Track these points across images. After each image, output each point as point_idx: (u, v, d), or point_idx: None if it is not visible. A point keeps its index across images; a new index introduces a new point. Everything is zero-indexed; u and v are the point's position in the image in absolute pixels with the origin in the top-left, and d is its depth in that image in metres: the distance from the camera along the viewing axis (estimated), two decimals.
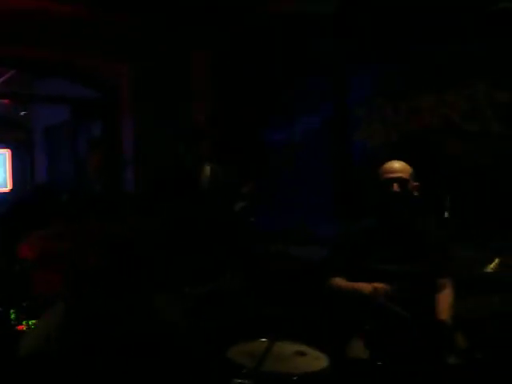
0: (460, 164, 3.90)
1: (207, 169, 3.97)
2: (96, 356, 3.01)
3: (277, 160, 5.28)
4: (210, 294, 3.65)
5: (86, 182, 5.51)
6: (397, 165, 3.00)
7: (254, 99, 5.74)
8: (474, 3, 3.75)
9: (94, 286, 3.02)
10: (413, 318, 2.71)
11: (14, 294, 3.73)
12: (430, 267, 2.89)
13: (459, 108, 3.92)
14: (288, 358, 2.73)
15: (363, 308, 2.84)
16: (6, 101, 7.55)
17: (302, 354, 2.78)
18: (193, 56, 5.85)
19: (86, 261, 2.97)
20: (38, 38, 5.20)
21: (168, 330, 2.99)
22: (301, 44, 5.12)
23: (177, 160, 4.05)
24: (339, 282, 3.03)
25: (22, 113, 8.00)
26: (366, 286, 2.84)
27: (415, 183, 3.01)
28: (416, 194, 3.00)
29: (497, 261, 2.62)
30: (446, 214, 2.80)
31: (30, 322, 3.51)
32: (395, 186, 2.93)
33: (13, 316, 3.51)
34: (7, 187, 8.06)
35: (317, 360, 2.72)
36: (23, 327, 3.53)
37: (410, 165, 3.03)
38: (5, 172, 8.08)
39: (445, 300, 2.90)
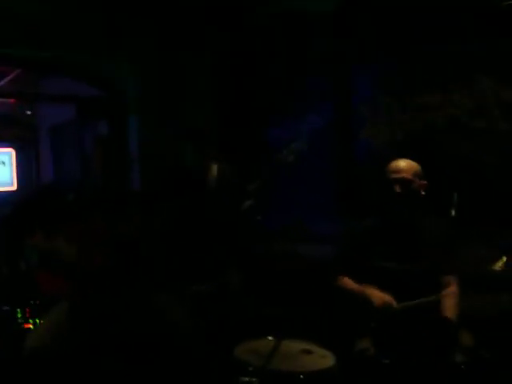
0: (467, 162, 3.89)
1: (214, 168, 3.97)
2: (100, 355, 3.02)
3: (281, 159, 5.26)
4: (212, 292, 3.65)
5: (91, 180, 5.52)
6: (402, 164, 3.00)
7: (256, 99, 5.75)
8: (481, 1, 3.74)
9: (98, 286, 3.02)
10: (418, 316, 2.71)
11: (20, 292, 3.74)
12: (434, 265, 2.89)
13: (465, 106, 3.91)
14: (294, 357, 2.74)
15: (370, 308, 2.84)
16: (11, 100, 7.56)
17: (309, 352, 2.79)
18: (197, 56, 5.85)
19: (91, 260, 2.98)
20: (44, 37, 5.21)
21: (171, 330, 2.99)
22: (302, 43, 5.12)
23: (183, 159, 4.05)
24: (348, 283, 3.02)
25: (28, 112, 8.01)
26: (376, 296, 2.83)
27: (423, 182, 3.00)
28: (423, 192, 2.99)
29: (504, 259, 2.61)
30: (453, 213, 2.80)
31: (37, 321, 3.52)
32: (397, 187, 2.93)
33: (19, 314, 3.52)
34: (13, 186, 8.07)
35: (323, 358, 2.72)
36: (30, 325, 3.54)
37: (417, 163, 3.03)
38: (10, 171, 8.09)
39: (450, 298, 2.90)
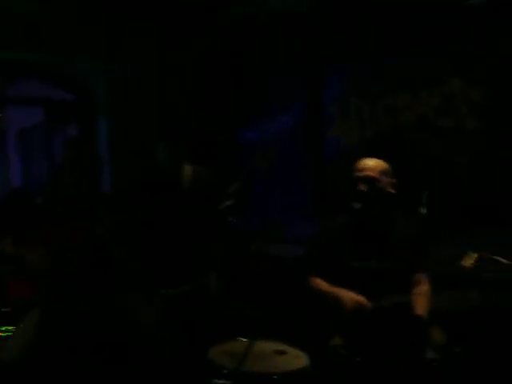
0: (436, 161, 3.93)
1: (188, 169, 3.95)
2: (76, 356, 3.00)
3: (253, 160, 5.28)
4: (186, 294, 3.64)
5: (61, 184, 5.46)
6: (369, 163, 3.01)
7: (227, 99, 5.74)
8: (446, 1, 3.78)
9: (72, 288, 3.00)
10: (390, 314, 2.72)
11: None
12: (405, 263, 2.91)
13: (434, 105, 3.95)
14: (268, 357, 2.74)
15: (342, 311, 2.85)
16: None
17: (282, 352, 2.79)
18: (168, 56, 5.82)
19: (61, 262, 2.95)
20: (11, 39, 5.14)
21: (142, 330, 2.98)
22: (274, 43, 5.12)
23: (156, 160, 4.03)
24: (319, 283, 3.02)
25: None
26: (347, 299, 2.83)
27: (391, 180, 3.02)
28: (392, 191, 3.01)
29: (474, 256, 2.64)
30: (424, 211, 2.82)
31: (7, 328, 3.46)
32: (362, 186, 2.94)
33: None
34: None
35: (297, 358, 2.73)
36: (0, 333, 3.48)
37: (386, 162, 3.05)
38: None
39: (421, 295, 2.92)
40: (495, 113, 3.58)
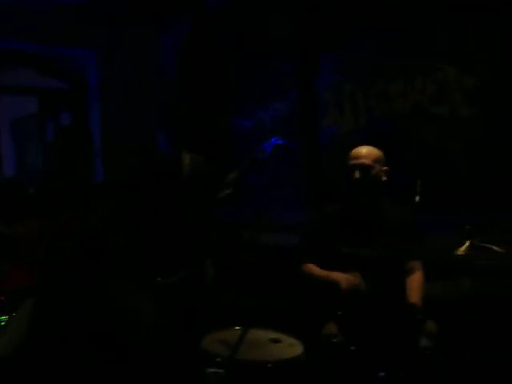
0: (430, 148, 3.92)
1: (186, 157, 3.93)
2: (70, 346, 3.00)
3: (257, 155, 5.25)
4: (180, 282, 3.64)
5: (54, 172, 5.44)
6: (363, 150, 3.01)
7: (221, 86, 5.72)
8: None
9: (63, 277, 2.99)
10: (383, 302, 2.73)
11: None
12: (398, 251, 2.91)
13: (428, 93, 3.94)
14: (262, 346, 2.74)
15: (336, 294, 2.85)
16: None
17: (276, 341, 2.79)
18: (159, 42, 5.79)
19: (54, 252, 2.94)
20: (4, 28, 5.11)
21: (136, 320, 2.98)
22: (267, 30, 5.09)
23: (151, 149, 4.02)
24: (312, 268, 3.04)
25: None
26: (340, 278, 2.84)
27: (384, 168, 3.02)
28: (384, 178, 3.01)
29: (467, 244, 2.63)
30: (417, 198, 2.81)
31: (2, 318, 3.46)
32: (356, 173, 2.94)
33: None
34: None
35: (291, 347, 2.72)
36: None
37: (380, 149, 3.04)
38: None
39: (415, 283, 2.93)
40: (489, 100, 3.57)
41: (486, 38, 3.55)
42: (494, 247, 2.61)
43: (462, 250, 2.63)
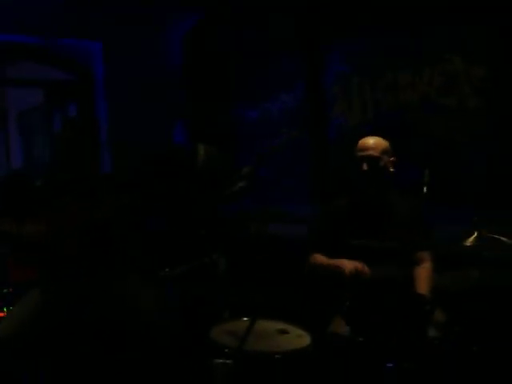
0: (438, 140, 3.91)
1: (201, 148, 3.93)
2: (75, 338, 3.01)
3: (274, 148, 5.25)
4: (188, 274, 3.65)
5: (60, 165, 5.45)
6: (370, 141, 3.00)
7: (228, 77, 5.71)
8: None
9: (69, 269, 3.00)
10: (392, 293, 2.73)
11: None
12: (406, 243, 2.91)
13: (436, 84, 3.92)
14: (270, 337, 2.75)
15: (343, 285, 2.86)
16: None
17: (284, 332, 2.80)
18: (166, 34, 5.78)
19: (61, 245, 2.95)
20: (10, 21, 5.11)
21: (140, 310, 3.00)
22: (275, 22, 5.08)
23: (169, 140, 4.04)
24: (319, 258, 3.05)
25: None
26: (346, 264, 2.85)
27: (391, 159, 3.01)
28: (392, 169, 3.01)
29: (475, 235, 2.63)
30: (425, 189, 2.81)
31: (10, 309, 3.48)
32: (365, 165, 2.94)
33: None
34: None
35: (299, 338, 2.74)
36: (2, 314, 3.50)
37: (387, 140, 3.04)
38: None
39: (424, 274, 2.93)
40: (498, 91, 3.55)
41: (495, 30, 3.53)
42: (503, 238, 2.61)
43: (469, 240, 2.63)
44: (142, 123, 5.37)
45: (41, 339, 2.91)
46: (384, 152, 2.98)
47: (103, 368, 3.02)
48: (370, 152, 2.95)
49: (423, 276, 2.92)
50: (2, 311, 3.53)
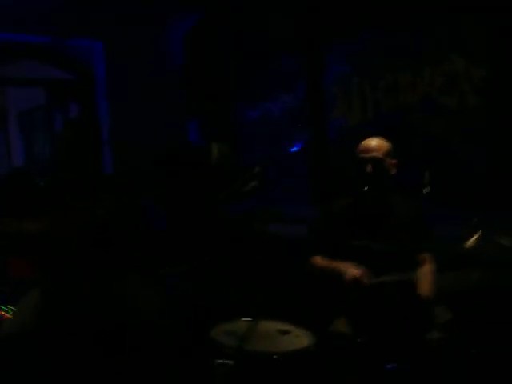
0: (438, 140, 3.91)
1: (215, 147, 3.94)
2: (75, 337, 3.02)
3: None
4: (189, 273, 3.65)
5: (62, 164, 5.47)
6: (373, 143, 2.99)
7: (228, 79, 5.71)
8: None
9: (69, 268, 3.00)
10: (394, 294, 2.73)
11: None
12: (407, 245, 2.91)
13: (437, 84, 3.92)
14: (271, 337, 2.75)
15: (341, 286, 2.85)
16: None
17: (285, 332, 2.80)
18: (166, 34, 5.78)
19: (62, 244, 2.95)
20: (11, 20, 5.11)
21: (141, 310, 3.00)
22: (276, 22, 5.08)
23: (184, 138, 4.04)
24: (320, 261, 3.03)
25: None
26: (344, 269, 2.83)
27: (393, 161, 3.00)
28: (393, 171, 3.00)
29: (476, 236, 2.63)
30: (426, 190, 2.81)
31: (8, 307, 3.48)
32: (368, 167, 2.92)
33: None
34: None
35: (300, 338, 2.74)
36: (2, 312, 3.50)
37: (388, 142, 3.03)
38: None
39: (426, 275, 2.92)
40: (498, 91, 3.55)
41: (495, 30, 3.53)
42: (503, 239, 2.61)
43: (470, 242, 2.63)
44: (142, 123, 5.37)
45: (41, 339, 2.91)
46: (387, 154, 2.97)
47: (103, 368, 3.02)
48: (374, 154, 2.94)
49: (425, 277, 2.90)
50: (2, 310, 3.53)
